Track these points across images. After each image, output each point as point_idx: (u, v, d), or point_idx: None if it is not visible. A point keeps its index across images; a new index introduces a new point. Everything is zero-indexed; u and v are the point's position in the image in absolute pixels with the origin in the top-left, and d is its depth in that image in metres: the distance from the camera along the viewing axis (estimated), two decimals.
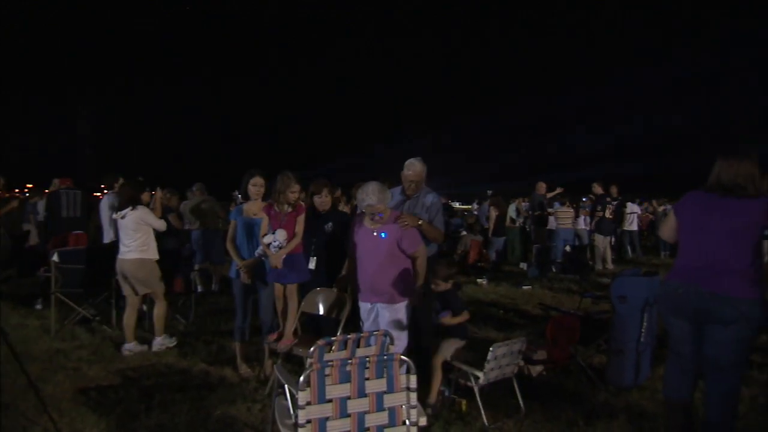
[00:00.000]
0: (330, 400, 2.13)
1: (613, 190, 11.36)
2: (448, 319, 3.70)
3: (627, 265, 10.59)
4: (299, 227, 3.94)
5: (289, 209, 3.94)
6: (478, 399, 3.41)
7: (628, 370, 4.00)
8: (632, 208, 12.83)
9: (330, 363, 2.14)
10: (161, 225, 5.00)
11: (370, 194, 3.44)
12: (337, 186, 8.66)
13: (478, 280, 8.87)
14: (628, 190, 13.68)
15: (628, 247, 12.88)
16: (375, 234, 3.55)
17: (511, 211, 11.32)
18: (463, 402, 3.58)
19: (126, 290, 4.94)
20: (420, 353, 3.85)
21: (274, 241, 3.86)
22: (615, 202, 11.30)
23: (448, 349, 3.66)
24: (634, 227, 12.83)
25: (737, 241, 2.81)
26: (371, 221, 3.56)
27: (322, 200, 4.45)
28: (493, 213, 10.24)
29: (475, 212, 17.04)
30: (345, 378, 2.16)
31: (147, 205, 5.23)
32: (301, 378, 2.10)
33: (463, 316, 3.75)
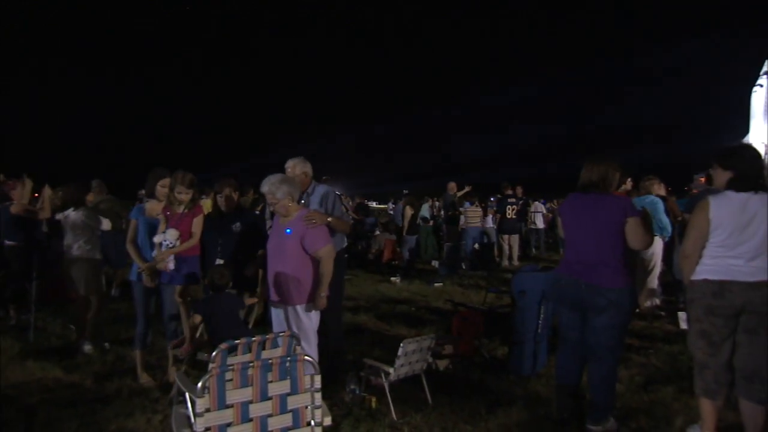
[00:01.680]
0: (231, 406, 2.07)
1: (518, 190, 12.02)
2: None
3: (531, 262, 11.28)
4: (195, 228, 3.83)
5: (185, 209, 3.82)
6: (388, 395, 3.47)
7: (527, 359, 4.26)
8: (537, 207, 13.66)
9: (231, 367, 2.08)
10: (107, 224, 5.07)
11: (266, 184, 3.40)
12: (251, 186, 8.45)
13: (392, 279, 9.04)
14: (535, 190, 14.60)
15: (533, 245, 13.71)
16: (282, 231, 3.49)
17: (424, 210, 11.65)
18: (373, 399, 3.62)
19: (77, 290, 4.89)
20: (329, 354, 3.86)
21: (164, 241, 3.73)
22: (520, 202, 11.97)
23: None
24: (540, 225, 13.67)
25: (603, 235, 3.19)
26: (282, 217, 3.51)
27: (224, 199, 4.30)
28: (408, 212, 10.47)
29: (391, 211, 17.33)
30: (247, 381, 2.12)
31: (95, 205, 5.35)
32: (199, 384, 2.02)
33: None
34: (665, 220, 6.51)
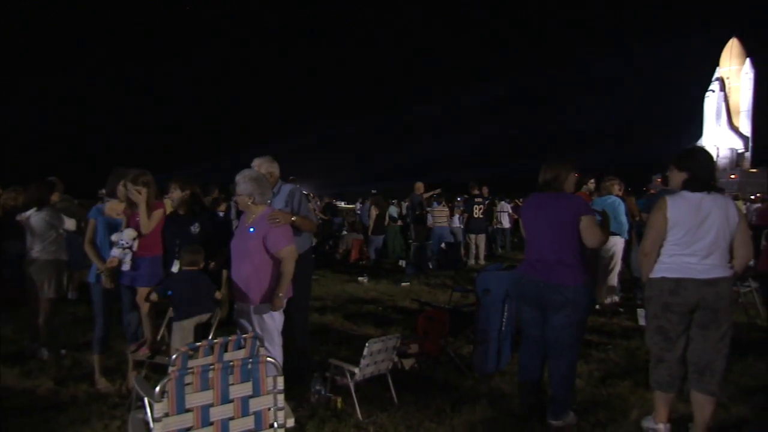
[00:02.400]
0: (191, 410, 2.03)
1: (484, 190, 12.20)
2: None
3: (498, 261, 11.46)
4: (151, 222, 3.77)
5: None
6: (354, 395, 3.47)
7: (491, 357, 4.33)
8: (503, 206, 13.89)
9: (190, 370, 2.04)
10: (70, 225, 4.93)
11: (239, 175, 3.38)
12: (215, 185, 8.29)
13: (359, 279, 9.03)
14: (501, 189, 14.83)
15: (499, 244, 13.92)
16: (246, 230, 3.45)
17: (392, 210, 11.69)
18: (339, 399, 3.62)
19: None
20: (294, 355, 3.84)
21: (120, 240, 3.65)
22: (486, 202, 12.15)
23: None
24: (506, 225, 13.89)
25: (558, 234, 3.29)
26: (248, 216, 3.47)
27: (171, 198, 4.20)
28: (374, 212, 10.48)
29: (358, 211, 17.33)
30: (207, 385, 2.08)
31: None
32: (157, 388, 1.98)
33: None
34: (624, 220, 6.72)
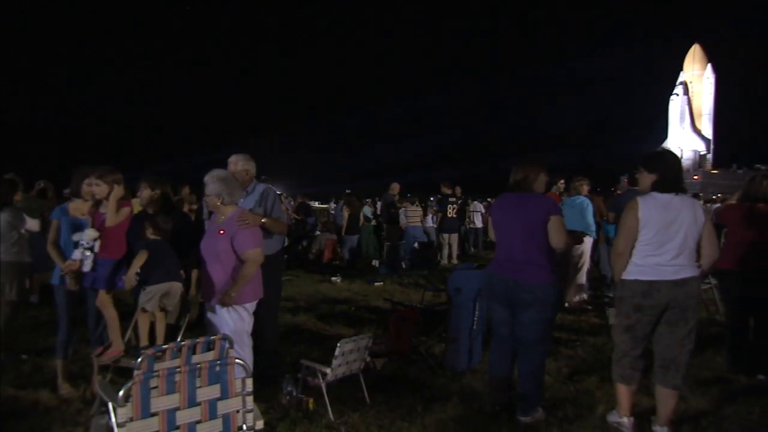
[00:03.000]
0: (156, 414, 1.99)
1: (457, 190, 12.30)
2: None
3: (470, 260, 11.57)
4: (117, 220, 3.70)
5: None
6: (325, 395, 3.46)
7: (463, 355, 4.37)
8: (476, 206, 14.02)
9: (156, 373, 2.00)
10: (33, 225, 4.74)
11: (208, 175, 3.34)
12: (184, 183, 8.13)
13: (332, 279, 9.00)
14: (472, 190, 14.99)
15: (472, 243, 14.05)
16: (216, 230, 3.41)
17: (366, 210, 11.69)
18: (311, 400, 3.59)
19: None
20: (264, 356, 3.80)
21: (81, 241, 3.57)
22: (459, 201, 12.25)
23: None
24: (479, 224, 14.03)
25: (528, 233, 3.35)
26: (219, 217, 3.43)
27: (140, 197, 4.11)
28: (346, 212, 10.46)
29: (332, 211, 17.26)
30: (174, 388, 2.04)
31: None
32: (121, 392, 1.93)
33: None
34: (592, 220, 6.88)
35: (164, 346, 2.26)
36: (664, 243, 3.02)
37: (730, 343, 4.40)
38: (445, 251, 11.57)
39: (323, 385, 3.47)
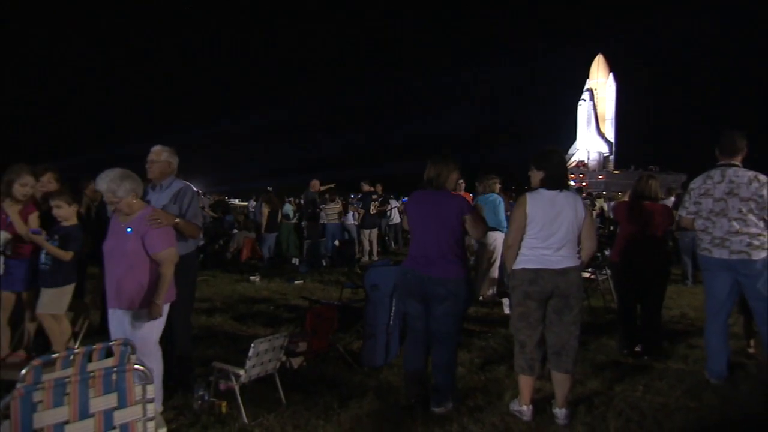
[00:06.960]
0: (40, 430, 1.83)
1: (378, 187, 12.41)
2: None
3: (390, 256, 11.72)
4: (21, 227, 3.39)
5: (17, 206, 3.41)
6: (239, 398, 3.36)
7: (379, 351, 4.42)
8: (392, 203, 14.22)
9: (41, 385, 1.84)
10: None
11: (104, 181, 3.12)
12: (88, 179, 7.55)
13: (251, 278, 8.76)
14: (390, 187, 15.16)
15: (392, 240, 14.25)
16: (123, 229, 3.20)
17: (287, 208, 11.50)
18: (223, 404, 3.48)
19: None
20: (175, 360, 3.63)
21: None
22: (380, 199, 12.38)
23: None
24: (397, 221, 14.24)
25: (440, 230, 3.47)
26: (123, 215, 3.21)
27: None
28: (265, 210, 10.24)
29: (252, 209, 16.79)
30: (62, 400, 1.89)
31: None
32: None
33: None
34: (503, 217, 7.20)
35: (53, 356, 2.09)
36: (549, 236, 3.24)
37: (620, 329, 4.80)
38: (366, 248, 11.65)
39: (237, 388, 3.37)
